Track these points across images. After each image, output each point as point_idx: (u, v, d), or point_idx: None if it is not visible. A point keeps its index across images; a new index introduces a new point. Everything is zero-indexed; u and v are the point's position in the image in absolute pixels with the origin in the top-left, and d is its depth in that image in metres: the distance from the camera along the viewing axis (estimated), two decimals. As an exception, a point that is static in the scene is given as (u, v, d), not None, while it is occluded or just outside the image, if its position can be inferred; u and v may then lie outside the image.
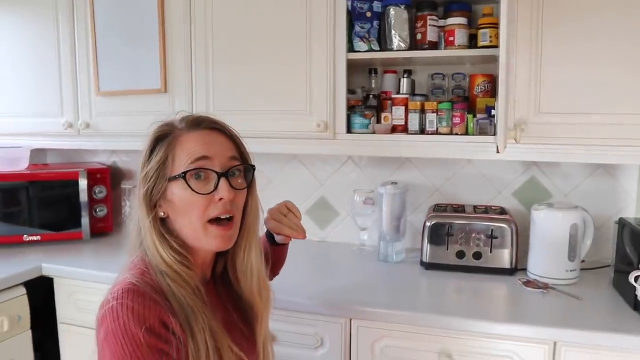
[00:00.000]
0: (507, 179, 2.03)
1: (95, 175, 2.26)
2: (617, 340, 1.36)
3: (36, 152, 2.49)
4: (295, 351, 1.62)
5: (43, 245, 2.16)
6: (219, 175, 1.02)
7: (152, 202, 1.03)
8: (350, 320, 1.56)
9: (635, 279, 1.45)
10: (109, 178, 2.32)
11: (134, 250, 1.08)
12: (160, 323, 0.93)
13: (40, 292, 1.94)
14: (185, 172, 1.00)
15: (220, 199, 1.02)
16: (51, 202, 2.20)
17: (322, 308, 1.58)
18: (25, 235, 2.15)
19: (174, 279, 1.00)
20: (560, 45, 1.61)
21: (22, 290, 1.86)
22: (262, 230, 1.25)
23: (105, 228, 2.30)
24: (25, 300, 1.86)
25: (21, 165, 2.25)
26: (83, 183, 2.20)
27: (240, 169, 1.08)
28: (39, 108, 2.27)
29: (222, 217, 1.03)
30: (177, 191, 1.02)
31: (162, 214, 1.04)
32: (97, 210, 2.26)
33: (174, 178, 1.01)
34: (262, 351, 1.17)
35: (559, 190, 1.98)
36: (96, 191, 2.26)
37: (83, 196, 2.20)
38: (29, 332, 1.89)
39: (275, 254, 1.42)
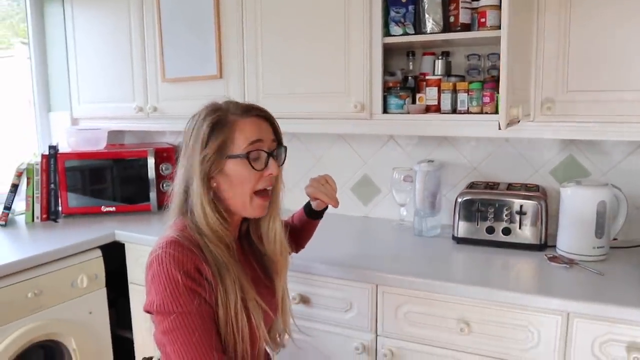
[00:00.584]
0: (544, 158, 2.05)
1: (162, 154, 2.53)
2: (632, 314, 1.39)
3: (115, 134, 2.80)
4: (328, 314, 1.77)
5: (117, 215, 2.46)
6: (269, 154, 1.22)
7: (209, 176, 1.21)
8: (377, 286, 1.69)
9: (654, 255, 1.47)
10: (174, 156, 2.58)
11: (174, 213, 1.27)
12: (195, 269, 1.13)
13: (115, 256, 2.23)
14: (248, 153, 1.19)
15: (269, 174, 1.22)
16: (125, 178, 2.50)
17: (351, 275, 1.72)
18: (103, 207, 2.46)
19: (210, 238, 1.19)
20: (589, 19, 1.63)
21: (99, 252, 2.15)
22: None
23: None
24: (101, 262, 2.15)
25: (100, 145, 2.56)
26: (151, 161, 2.47)
27: (280, 149, 1.28)
28: (116, 94, 2.56)
29: (267, 188, 1.24)
30: (234, 167, 1.20)
31: (214, 184, 1.23)
32: (164, 185, 2.53)
33: (234, 157, 1.20)
34: (281, 301, 1.36)
35: (597, 168, 1.98)
36: (163, 168, 2.52)
37: (151, 173, 2.47)
38: (104, 290, 2.18)
39: (307, 226, 1.60)
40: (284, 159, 1.29)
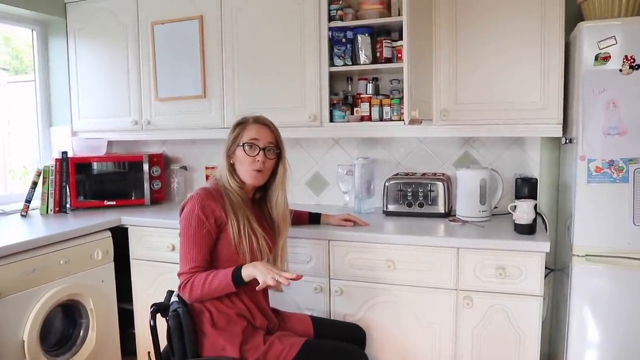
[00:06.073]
0: (448, 154, 2.82)
1: (153, 159, 3.13)
2: (493, 244, 2.14)
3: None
4: (293, 266, 2.39)
5: (117, 208, 3.02)
6: (260, 148, 1.92)
7: (229, 155, 1.96)
8: (329, 241, 2.36)
9: (512, 208, 2.22)
10: (163, 161, 3.19)
11: (212, 177, 2.03)
12: (210, 208, 1.84)
13: (117, 241, 2.78)
14: (244, 143, 1.91)
15: (258, 160, 1.91)
16: (123, 178, 3.09)
17: (311, 235, 2.38)
18: (105, 201, 3.02)
19: (230, 191, 1.91)
20: (468, 55, 2.41)
21: (109, 233, 2.71)
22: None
23: (160, 197, 3.17)
24: (110, 240, 2.71)
25: (100, 152, 3.14)
26: (145, 165, 3.06)
27: (273, 149, 1.98)
28: (113, 110, 3.14)
29: (258, 169, 1.93)
30: (239, 152, 1.93)
31: (232, 162, 1.96)
32: (154, 184, 3.12)
33: (240, 145, 1.92)
34: (281, 251, 2.06)
35: (485, 160, 2.75)
36: (153, 170, 3.11)
37: (145, 174, 3.06)
38: (112, 264, 2.73)
39: (299, 221, 2.40)
40: (278, 155, 2.00)
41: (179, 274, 1.86)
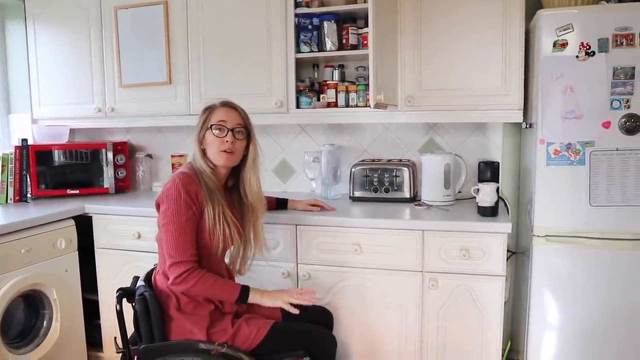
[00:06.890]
0: (413, 140, 2.86)
1: (118, 147, 3.07)
2: (457, 226, 2.19)
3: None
4: (261, 251, 2.42)
5: (81, 197, 2.96)
6: (228, 129, 1.91)
7: (200, 140, 1.95)
8: (296, 226, 2.38)
9: (475, 191, 2.28)
10: (128, 149, 3.13)
11: (186, 161, 2.06)
12: (193, 191, 1.83)
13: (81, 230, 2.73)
14: (212, 125, 1.91)
15: (227, 141, 1.90)
16: (87, 166, 3.02)
17: (278, 220, 2.39)
18: (68, 190, 2.96)
19: (205, 175, 1.91)
20: (432, 45, 2.46)
21: (72, 222, 2.65)
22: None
23: (124, 186, 3.12)
24: (74, 229, 2.65)
25: (62, 140, 3.06)
26: (110, 153, 3.01)
27: (242, 130, 1.98)
28: (75, 98, 3.07)
29: (227, 150, 1.92)
30: (209, 135, 1.94)
31: (203, 147, 1.96)
32: (119, 172, 3.07)
33: (209, 128, 1.92)
34: (256, 236, 2.08)
35: (449, 146, 2.81)
36: (118, 159, 3.06)
37: (110, 162, 3.01)
38: (77, 253, 2.68)
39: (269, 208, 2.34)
40: (247, 137, 2.00)
41: (175, 262, 1.78)
